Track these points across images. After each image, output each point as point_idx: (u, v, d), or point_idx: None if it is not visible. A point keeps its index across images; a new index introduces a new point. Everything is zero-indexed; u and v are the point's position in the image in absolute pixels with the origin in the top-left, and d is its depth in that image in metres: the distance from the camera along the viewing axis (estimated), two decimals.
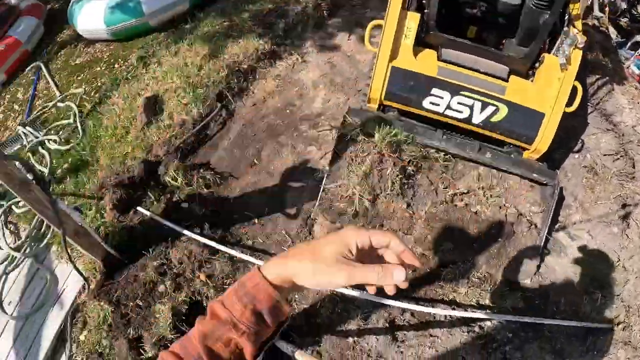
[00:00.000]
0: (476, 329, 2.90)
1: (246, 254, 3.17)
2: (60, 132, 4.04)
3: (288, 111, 3.96)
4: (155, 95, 4.10)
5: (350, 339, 2.87)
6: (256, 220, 3.39)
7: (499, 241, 3.10)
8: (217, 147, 3.74)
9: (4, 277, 3.53)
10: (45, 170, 3.74)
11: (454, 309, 2.93)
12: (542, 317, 2.78)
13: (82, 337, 3.23)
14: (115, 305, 3.20)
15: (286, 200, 3.49)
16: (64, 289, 3.34)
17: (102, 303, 3.16)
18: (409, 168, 3.28)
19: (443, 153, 3.36)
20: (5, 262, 3.59)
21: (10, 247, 3.63)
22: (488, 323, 2.84)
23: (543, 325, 2.76)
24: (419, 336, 2.86)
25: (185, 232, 3.20)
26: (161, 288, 3.21)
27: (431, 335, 2.94)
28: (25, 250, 3.57)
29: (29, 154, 3.93)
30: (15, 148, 4.07)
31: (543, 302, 2.93)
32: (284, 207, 3.47)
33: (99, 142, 3.87)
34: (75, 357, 3.18)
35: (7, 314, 3.38)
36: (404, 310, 2.95)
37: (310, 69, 4.29)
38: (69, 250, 2.91)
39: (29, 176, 2.57)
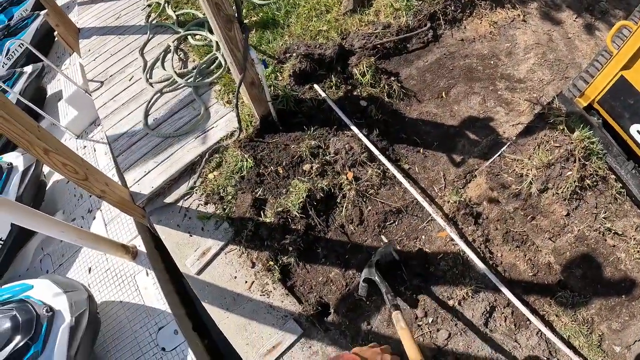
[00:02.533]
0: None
1: (402, 176, 3.32)
2: None
3: (492, 62, 4.05)
4: None
5: (451, 302, 2.92)
6: (421, 149, 3.54)
7: (622, 297, 2.98)
8: (411, 65, 3.80)
9: (157, 95, 4.01)
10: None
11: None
12: None
13: (210, 176, 3.50)
14: (256, 162, 3.59)
15: (457, 145, 3.53)
16: (212, 127, 3.61)
17: (245, 155, 3.57)
18: (587, 181, 3.25)
19: (621, 185, 3.33)
20: (165, 83, 4.08)
21: (175, 72, 4.11)
22: None
23: None
24: (505, 335, 2.83)
25: (354, 128, 3.45)
26: (306, 167, 3.51)
27: (516, 341, 2.96)
28: (188, 79, 4.09)
29: None
30: None
31: None
32: (452, 151, 3.54)
33: (296, 9, 4.12)
34: (196, 189, 3.53)
35: (149, 128, 3.83)
36: (508, 303, 3.00)
37: (528, 32, 4.31)
38: (229, 95, 3.32)
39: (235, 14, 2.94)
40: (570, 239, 3.07)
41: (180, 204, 3.58)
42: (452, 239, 3.14)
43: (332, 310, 3.03)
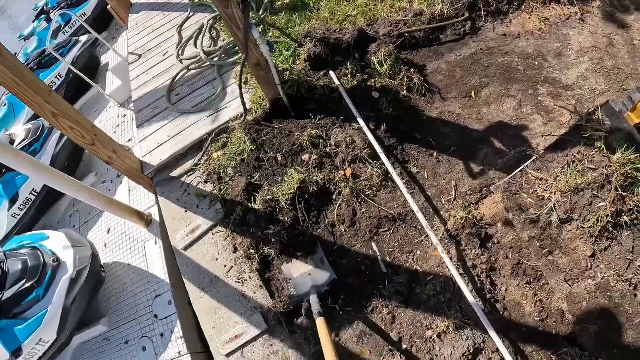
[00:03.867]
0: None
1: (403, 180, 2.81)
2: None
3: (537, 63, 3.35)
4: None
5: (430, 333, 2.47)
6: (435, 153, 3.01)
7: None
8: (441, 58, 3.28)
9: (185, 71, 3.90)
10: None
11: None
12: None
13: (215, 155, 3.33)
14: (258, 147, 3.34)
15: (478, 153, 2.93)
16: (225, 107, 3.44)
17: (247, 138, 3.35)
18: (624, 218, 2.51)
19: None
20: (192, 60, 3.97)
21: (203, 50, 3.96)
22: None
23: None
24: None
25: (360, 120, 3.02)
26: (305, 157, 3.18)
27: None
28: (213, 58, 3.93)
29: None
30: None
31: None
32: (471, 159, 2.93)
33: None
34: (200, 167, 3.39)
35: (170, 103, 3.74)
36: (498, 349, 2.44)
37: (584, 33, 3.50)
38: (242, 77, 3.05)
39: None
40: (591, 287, 2.42)
41: (183, 179, 3.47)
42: (449, 260, 2.64)
43: (303, 313, 2.70)
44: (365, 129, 2.87)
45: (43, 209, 4.41)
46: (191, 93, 3.73)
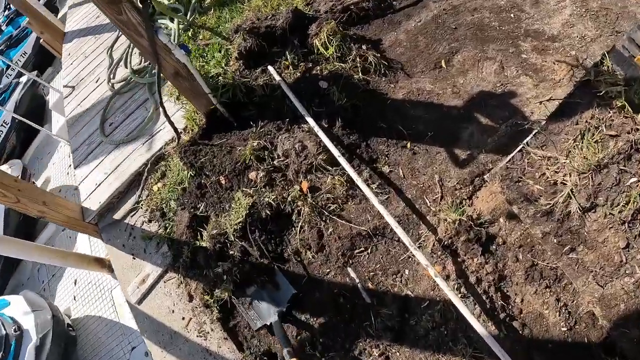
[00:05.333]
0: None
1: (374, 184, 2.10)
2: None
3: (512, 15, 2.55)
4: None
5: None
6: (408, 144, 2.26)
7: None
8: (398, 27, 2.53)
9: (115, 97, 3.20)
10: None
11: None
12: None
13: (155, 188, 2.65)
14: (196, 171, 2.60)
15: (461, 135, 2.18)
16: (159, 130, 2.75)
17: (181, 163, 2.61)
18: None
19: None
20: (123, 83, 3.24)
21: (132, 69, 3.22)
22: None
23: None
24: None
25: (309, 119, 2.27)
26: (252, 175, 2.45)
27: None
28: (142, 76, 3.10)
29: None
30: None
31: None
32: (454, 144, 2.16)
33: None
34: (141, 204, 2.71)
35: (104, 135, 3.06)
36: None
37: None
38: (161, 92, 2.31)
39: None
40: (629, 285, 1.77)
41: (127, 220, 2.80)
42: (445, 279, 1.90)
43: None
44: (317, 128, 2.12)
45: (7, 271, 3.79)
46: (125, 120, 3.03)
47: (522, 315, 1.88)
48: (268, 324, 2.07)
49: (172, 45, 2.09)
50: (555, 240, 1.90)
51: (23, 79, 4.53)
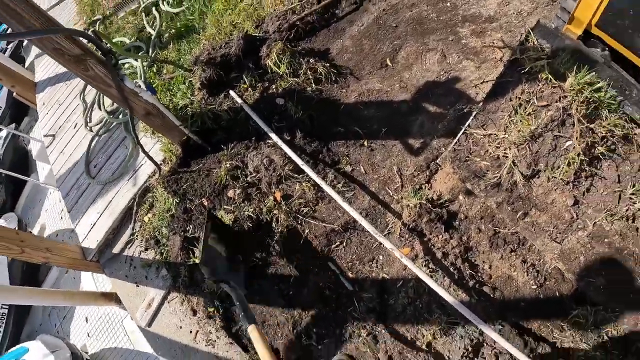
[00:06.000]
0: None
1: (340, 183, 2.37)
2: None
3: (449, 4, 2.81)
4: None
5: (419, 344, 2.06)
6: (365, 142, 2.51)
7: None
8: (343, 34, 2.75)
9: (95, 139, 3.43)
10: (154, 33, 3.46)
11: None
12: None
13: (146, 219, 2.91)
14: (181, 198, 2.87)
15: (412, 126, 2.42)
16: (141, 164, 3.02)
17: (165, 192, 2.90)
18: (599, 148, 1.99)
19: None
20: (100, 124, 3.48)
21: (106, 110, 3.47)
22: None
23: None
24: None
25: (272, 135, 2.47)
26: (230, 193, 2.74)
27: None
28: (117, 116, 3.37)
29: (143, 14, 3.66)
30: (132, 7, 3.85)
31: None
32: (407, 135, 2.41)
33: (210, 7, 3.28)
34: (136, 235, 2.97)
35: (90, 177, 3.29)
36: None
37: None
38: (136, 131, 2.59)
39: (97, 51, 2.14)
40: (583, 238, 1.97)
41: (125, 252, 3.06)
42: (414, 258, 2.19)
43: (282, 357, 2.30)
44: (280, 142, 2.40)
45: (20, 319, 4.08)
46: (107, 159, 3.29)
47: (491, 280, 2.09)
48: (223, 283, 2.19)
49: (139, 89, 2.36)
50: (509, 208, 2.12)
51: (2, 134, 4.78)
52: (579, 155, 1.94)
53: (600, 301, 1.87)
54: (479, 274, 2.12)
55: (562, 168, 1.98)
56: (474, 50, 2.56)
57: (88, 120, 3.56)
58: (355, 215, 2.15)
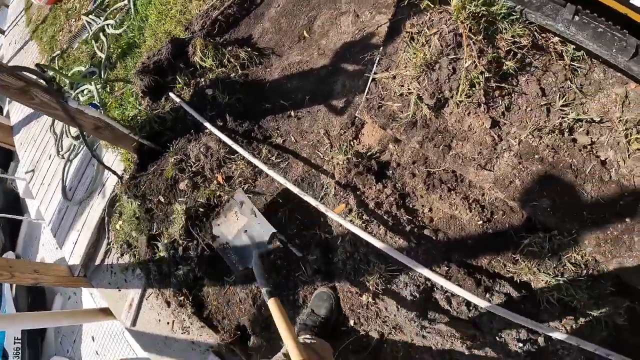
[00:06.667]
0: (540, 339, 1.79)
1: (273, 155, 2.52)
2: (117, 16, 3.91)
3: None
4: None
5: (364, 298, 2.08)
6: (292, 112, 2.65)
7: (626, 220, 1.70)
8: (262, 18, 2.91)
9: (68, 164, 3.74)
10: (103, 56, 3.80)
11: (523, 296, 1.83)
12: None
13: (117, 227, 3.15)
14: (141, 200, 3.13)
15: (333, 88, 2.54)
16: (107, 178, 3.26)
17: (126, 196, 3.17)
18: (508, 63, 1.94)
19: (573, 46, 1.93)
20: (70, 151, 3.80)
21: (72, 136, 3.80)
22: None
23: None
24: (453, 322, 1.90)
25: (206, 124, 2.59)
26: (182, 185, 2.96)
27: (474, 326, 1.90)
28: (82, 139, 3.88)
29: (92, 41, 3.97)
30: (84, 37, 4.18)
31: None
32: (329, 97, 2.53)
33: (147, 21, 3.57)
34: (112, 244, 3.20)
35: (68, 200, 3.57)
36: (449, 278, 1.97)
37: None
38: (91, 147, 2.87)
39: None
40: (512, 159, 1.92)
41: (105, 262, 3.33)
42: (348, 213, 2.32)
43: (250, 333, 2.50)
44: (212, 128, 2.60)
45: (34, 348, 4.45)
46: (80, 180, 3.59)
47: (433, 223, 2.10)
48: (249, 266, 2.23)
49: (83, 107, 2.65)
50: (431, 145, 2.13)
51: None
52: (482, 73, 1.92)
53: (552, 224, 1.81)
54: (419, 219, 2.13)
55: (464, 89, 1.96)
56: (386, 3, 2.70)
57: (60, 149, 3.91)
58: (282, 180, 2.31)
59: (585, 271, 1.77)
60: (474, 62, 1.99)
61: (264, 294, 1.84)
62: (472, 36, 2.00)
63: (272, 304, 1.76)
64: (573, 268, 1.79)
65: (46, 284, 3.30)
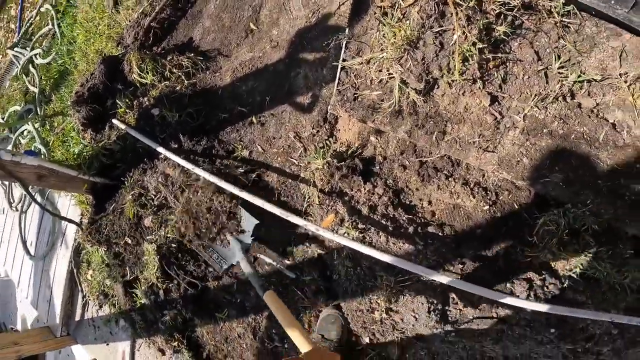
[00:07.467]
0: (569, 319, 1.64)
1: (234, 175, 2.22)
2: (44, 43, 3.58)
3: None
4: None
5: (377, 315, 1.90)
6: (254, 119, 2.36)
7: None
8: (201, 16, 2.57)
9: (23, 216, 3.42)
10: (36, 90, 3.41)
11: (544, 282, 1.67)
12: None
13: (88, 277, 2.89)
14: (107, 244, 2.87)
15: (296, 82, 2.26)
16: (66, 226, 2.98)
17: (89, 244, 2.89)
18: (498, 28, 1.75)
19: (564, 1, 1.76)
20: (21, 202, 3.49)
21: None
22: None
23: None
24: (479, 320, 1.75)
25: (159, 149, 2.28)
26: (147, 222, 2.71)
27: (501, 322, 1.74)
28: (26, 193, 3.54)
29: (23, 75, 3.62)
30: (13, 73, 3.82)
31: None
32: (292, 95, 2.25)
33: (76, 43, 3.22)
34: (87, 296, 2.95)
35: (32, 255, 3.27)
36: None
37: None
38: (36, 199, 2.58)
39: None
40: (518, 137, 1.69)
41: (85, 316, 3.08)
42: (340, 223, 2.09)
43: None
44: (166, 152, 2.31)
45: None
46: (38, 232, 3.31)
47: (436, 217, 1.90)
48: (234, 263, 2.18)
49: (18, 157, 2.36)
50: (422, 133, 1.88)
51: None
52: (474, 44, 1.66)
53: (566, 198, 1.62)
54: (419, 215, 1.91)
55: (459, 67, 1.70)
56: None
57: (12, 201, 3.61)
58: (257, 201, 2.07)
59: (604, 239, 1.61)
60: (464, 32, 1.74)
61: (258, 289, 1.78)
62: (460, 2, 1.74)
63: (268, 298, 1.72)
64: (592, 240, 1.58)
65: (31, 353, 3.05)
